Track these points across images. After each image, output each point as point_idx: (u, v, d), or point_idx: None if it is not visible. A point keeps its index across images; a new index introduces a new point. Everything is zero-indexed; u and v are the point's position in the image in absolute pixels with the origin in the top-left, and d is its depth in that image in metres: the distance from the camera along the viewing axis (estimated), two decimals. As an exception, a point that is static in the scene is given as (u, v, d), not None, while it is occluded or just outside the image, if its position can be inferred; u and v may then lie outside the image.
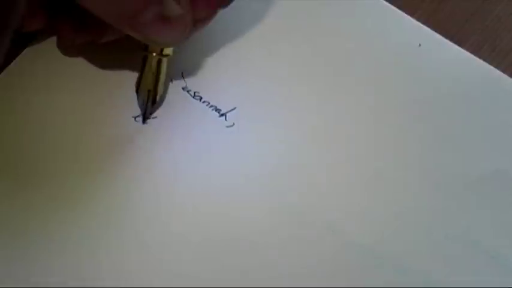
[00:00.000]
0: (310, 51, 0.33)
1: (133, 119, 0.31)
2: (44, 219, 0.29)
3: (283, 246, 0.29)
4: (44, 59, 0.32)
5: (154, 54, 0.30)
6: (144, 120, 0.30)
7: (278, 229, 0.29)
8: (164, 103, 0.32)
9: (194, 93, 0.32)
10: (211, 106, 0.32)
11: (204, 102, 0.32)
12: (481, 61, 0.34)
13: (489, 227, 0.30)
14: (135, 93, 0.31)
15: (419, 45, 0.34)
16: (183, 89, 0.32)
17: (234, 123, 0.31)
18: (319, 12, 0.34)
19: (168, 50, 0.30)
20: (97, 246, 0.28)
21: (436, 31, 0.34)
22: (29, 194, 0.29)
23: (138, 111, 0.31)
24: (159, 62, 0.30)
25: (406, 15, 0.35)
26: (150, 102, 0.30)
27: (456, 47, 0.34)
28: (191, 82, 0.32)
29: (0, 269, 0.28)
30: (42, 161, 0.30)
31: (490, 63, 0.34)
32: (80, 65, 0.32)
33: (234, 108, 0.31)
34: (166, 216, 0.29)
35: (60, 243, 0.28)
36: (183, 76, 0.32)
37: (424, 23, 0.35)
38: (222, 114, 0.32)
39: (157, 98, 0.30)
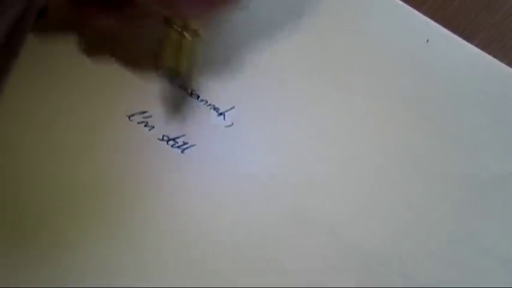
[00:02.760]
0: (312, 49, 0.33)
1: (128, 118, 0.31)
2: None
3: (284, 249, 0.29)
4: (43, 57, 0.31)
5: (176, 27, 0.29)
6: (187, 90, 0.30)
7: (278, 231, 0.29)
8: (160, 100, 0.31)
9: (191, 91, 0.32)
10: (209, 105, 0.32)
11: (201, 101, 0.32)
12: (490, 57, 0.34)
13: (497, 231, 0.30)
14: (130, 91, 0.31)
15: (427, 41, 0.34)
16: (180, 87, 0.32)
17: (232, 123, 0.31)
18: (322, 8, 0.34)
19: (193, 24, 0.29)
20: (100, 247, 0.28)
21: (444, 26, 0.34)
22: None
23: (133, 109, 0.31)
24: (182, 37, 0.29)
25: (412, 9, 0.35)
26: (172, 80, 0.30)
27: (465, 42, 0.34)
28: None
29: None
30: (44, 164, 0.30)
31: (500, 59, 0.34)
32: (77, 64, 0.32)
33: (233, 108, 0.31)
34: (161, 214, 0.29)
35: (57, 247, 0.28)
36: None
37: (431, 18, 0.35)
38: (220, 114, 0.31)
39: (189, 82, 0.30)
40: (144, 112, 0.31)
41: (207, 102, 0.31)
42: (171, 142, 0.31)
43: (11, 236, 0.28)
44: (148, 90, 0.31)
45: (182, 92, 0.32)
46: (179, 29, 0.29)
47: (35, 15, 0.20)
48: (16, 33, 0.19)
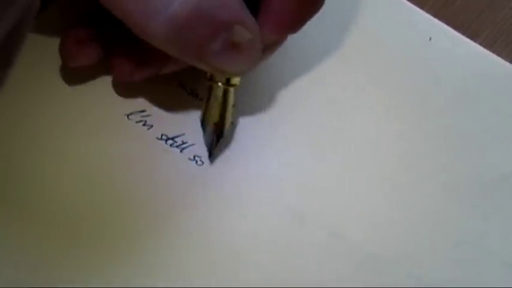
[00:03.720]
0: (314, 46, 0.33)
1: (126, 117, 0.31)
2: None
3: (285, 251, 0.29)
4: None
5: (220, 84, 0.29)
6: (210, 157, 0.30)
7: (278, 234, 0.29)
8: (157, 99, 0.31)
9: (190, 89, 0.32)
10: None
11: (201, 100, 0.31)
12: (494, 56, 0.34)
13: (503, 232, 0.30)
14: (128, 89, 0.31)
15: (430, 39, 0.34)
16: (179, 84, 0.32)
17: (232, 122, 0.31)
18: (323, 6, 0.33)
19: (235, 80, 0.29)
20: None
21: (447, 24, 0.34)
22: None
23: (131, 108, 0.31)
24: (225, 93, 0.29)
25: (415, 7, 0.35)
26: (216, 137, 0.30)
27: (468, 41, 0.34)
28: (187, 78, 0.32)
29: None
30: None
31: (505, 58, 0.34)
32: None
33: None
34: (160, 215, 0.29)
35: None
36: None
37: (434, 15, 0.34)
38: None
39: (225, 132, 0.30)
40: (142, 111, 0.31)
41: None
42: (169, 141, 0.31)
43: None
44: (146, 89, 0.31)
45: (181, 90, 0.32)
46: (221, 84, 0.29)
47: (31, 24, 0.19)
48: (11, 43, 0.19)
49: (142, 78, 0.30)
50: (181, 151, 0.30)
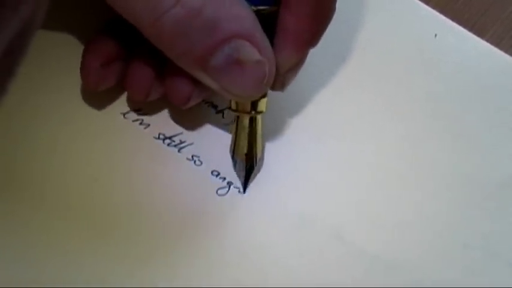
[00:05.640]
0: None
1: (122, 116, 0.31)
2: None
3: (289, 253, 0.28)
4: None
5: (245, 113, 0.28)
6: (244, 190, 0.30)
7: (282, 236, 0.29)
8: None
9: None
10: (207, 102, 0.31)
11: None
12: (502, 53, 0.34)
13: (510, 234, 0.30)
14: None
15: (435, 36, 0.34)
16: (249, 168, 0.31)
17: (232, 121, 0.31)
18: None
19: (261, 106, 0.28)
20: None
21: (453, 20, 0.34)
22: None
23: (127, 108, 0.31)
24: (252, 121, 0.29)
25: (420, 2, 0.35)
26: (248, 169, 0.29)
27: (475, 38, 0.34)
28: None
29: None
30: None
31: None
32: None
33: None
34: (158, 215, 0.29)
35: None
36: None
37: (440, 11, 0.34)
38: (219, 111, 0.31)
39: (256, 161, 0.29)
40: (139, 109, 0.31)
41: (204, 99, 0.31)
42: (167, 141, 0.30)
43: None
44: None
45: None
46: (247, 113, 0.28)
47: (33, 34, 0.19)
48: (12, 54, 0.18)
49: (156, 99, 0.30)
50: (179, 151, 0.30)
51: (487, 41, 0.34)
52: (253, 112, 0.28)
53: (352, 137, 0.31)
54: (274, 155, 0.31)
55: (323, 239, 0.29)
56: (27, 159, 0.29)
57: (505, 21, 0.35)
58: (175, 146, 0.30)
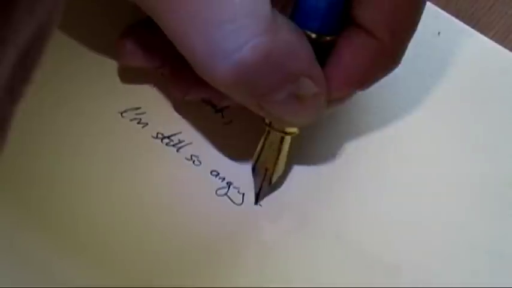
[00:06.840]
0: None
1: (120, 114, 0.31)
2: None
3: (290, 255, 0.29)
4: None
5: (277, 132, 0.28)
6: (256, 201, 0.30)
7: (282, 236, 0.29)
8: (153, 96, 0.31)
9: None
10: (206, 101, 0.31)
11: None
12: (507, 51, 0.34)
13: None
14: (122, 86, 0.31)
15: (439, 33, 0.34)
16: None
17: (232, 120, 0.31)
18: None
19: (294, 128, 0.28)
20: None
21: (456, 18, 0.34)
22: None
23: (125, 105, 0.31)
24: (282, 140, 0.29)
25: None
26: (265, 182, 0.29)
27: (479, 35, 0.34)
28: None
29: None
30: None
31: None
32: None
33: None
34: (158, 215, 0.29)
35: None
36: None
37: (443, 8, 0.34)
38: (218, 110, 0.31)
39: (275, 178, 0.29)
40: (137, 108, 0.31)
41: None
42: (165, 140, 0.30)
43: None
44: (141, 85, 0.31)
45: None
46: (279, 131, 0.28)
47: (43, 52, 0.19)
48: (28, 57, 0.18)
49: (196, 100, 0.30)
50: (177, 150, 0.30)
51: (492, 38, 0.34)
52: (284, 132, 0.28)
53: (350, 136, 0.31)
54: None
55: (323, 239, 0.29)
56: (24, 159, 0.29)
57: (509, 19, 0.34)
58: (173, 145, 0.30)
